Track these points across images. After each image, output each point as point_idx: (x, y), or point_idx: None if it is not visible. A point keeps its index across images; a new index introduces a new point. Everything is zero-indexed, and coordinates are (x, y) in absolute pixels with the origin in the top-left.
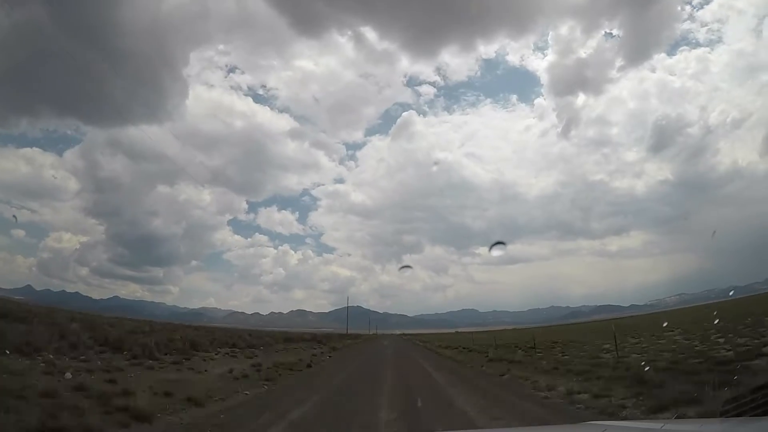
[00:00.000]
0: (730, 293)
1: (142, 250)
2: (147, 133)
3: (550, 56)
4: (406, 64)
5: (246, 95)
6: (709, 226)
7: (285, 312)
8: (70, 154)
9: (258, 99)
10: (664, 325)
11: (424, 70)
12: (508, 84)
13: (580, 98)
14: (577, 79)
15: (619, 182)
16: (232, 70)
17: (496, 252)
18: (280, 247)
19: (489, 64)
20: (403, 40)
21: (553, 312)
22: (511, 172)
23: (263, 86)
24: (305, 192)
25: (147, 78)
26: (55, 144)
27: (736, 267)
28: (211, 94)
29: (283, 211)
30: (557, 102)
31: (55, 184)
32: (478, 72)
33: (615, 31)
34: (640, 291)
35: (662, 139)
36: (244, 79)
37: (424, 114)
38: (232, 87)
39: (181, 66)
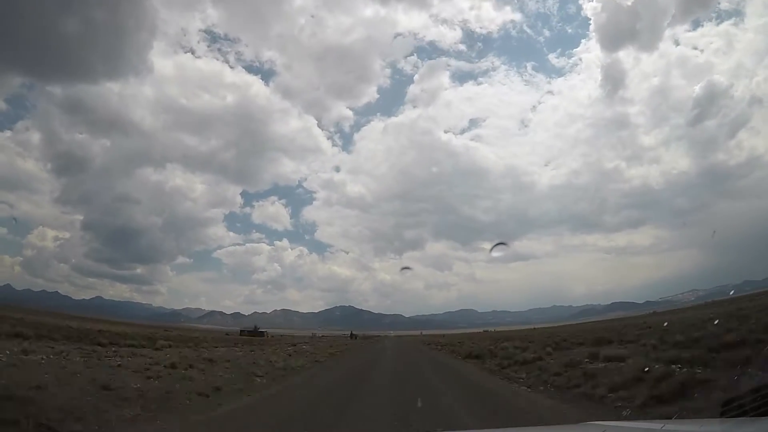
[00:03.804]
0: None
1: (127, 248)
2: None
3: None
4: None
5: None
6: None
7: (269, 312)
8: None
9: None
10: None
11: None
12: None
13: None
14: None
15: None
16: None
17: (497, 253)
18: (276, 243)
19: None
20: None
21: (556, 312)
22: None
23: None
24: (300, 184)
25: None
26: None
27: (751, 262)
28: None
29: (278, 203)
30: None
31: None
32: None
33: None
34: (647, 288)
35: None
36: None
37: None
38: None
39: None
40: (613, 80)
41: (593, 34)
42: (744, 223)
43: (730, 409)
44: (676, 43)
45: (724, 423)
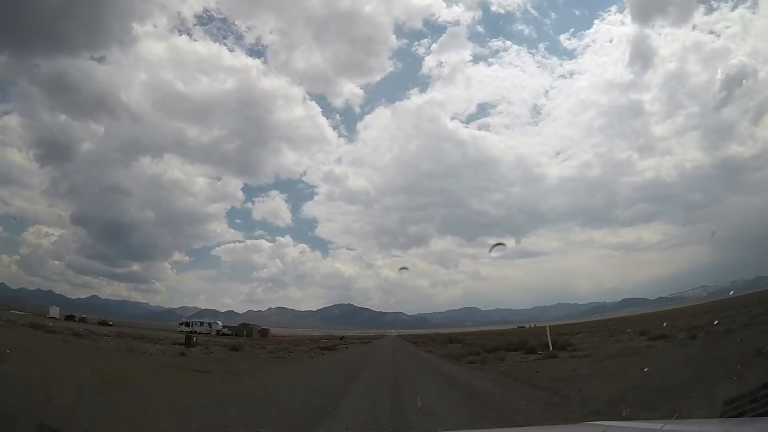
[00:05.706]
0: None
1: (122, 244)
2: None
3: None
4: None
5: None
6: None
7: (263, 310)
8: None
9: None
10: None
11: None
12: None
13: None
14: None
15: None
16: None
17: (495, 253)
18: (278, 239)
19: None
20: None
21: (562, 310)
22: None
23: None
24: (300, 179)
25: None
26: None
27: (763, 257)
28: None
29: (279, 197)
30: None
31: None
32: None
33: None
34: (657, 284)
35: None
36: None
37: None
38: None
39: None
40: (643, 58)
41: (625, 2)
42: (756, 218)
43: (730, 409)
44: (693, 27)
45: (724, 423)
